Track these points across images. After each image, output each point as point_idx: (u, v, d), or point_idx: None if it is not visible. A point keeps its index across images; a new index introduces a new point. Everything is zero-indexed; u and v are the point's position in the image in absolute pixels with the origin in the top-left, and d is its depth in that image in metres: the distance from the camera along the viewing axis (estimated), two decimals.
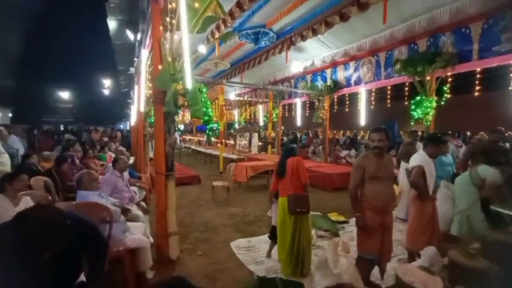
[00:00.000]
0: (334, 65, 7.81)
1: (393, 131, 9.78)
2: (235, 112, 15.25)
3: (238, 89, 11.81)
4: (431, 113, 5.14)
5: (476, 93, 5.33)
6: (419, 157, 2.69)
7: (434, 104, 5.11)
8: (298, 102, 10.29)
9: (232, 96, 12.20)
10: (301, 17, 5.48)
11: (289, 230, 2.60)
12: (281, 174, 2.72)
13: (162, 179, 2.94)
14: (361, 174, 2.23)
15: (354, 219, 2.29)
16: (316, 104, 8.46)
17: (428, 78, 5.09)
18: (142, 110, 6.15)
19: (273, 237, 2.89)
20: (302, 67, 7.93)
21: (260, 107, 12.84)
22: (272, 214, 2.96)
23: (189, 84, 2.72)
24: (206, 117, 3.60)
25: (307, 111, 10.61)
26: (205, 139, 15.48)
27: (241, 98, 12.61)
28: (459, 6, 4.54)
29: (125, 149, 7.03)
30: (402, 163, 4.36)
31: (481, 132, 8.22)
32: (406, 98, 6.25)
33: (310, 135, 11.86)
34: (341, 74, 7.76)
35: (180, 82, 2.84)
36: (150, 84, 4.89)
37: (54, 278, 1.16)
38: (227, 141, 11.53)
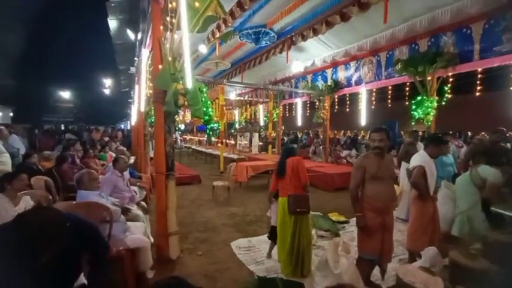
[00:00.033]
0: (334, 65, 7.80)
1: (394, 131, 9.76)
2: (236, 112, 15.24)
3: (239, 88, 11.80)
4: (432, 113, 5.13)
5: (477, 93, 5.32)
6: (420, 157, 2.68)
7: (435, 104, 5.10)
8: (298, 102, 10.28)
9: (232, 96, 12.20)
10: (302, 16, 5.48)
11: (289, 230, 2.60)
12: (281, 174, 2.71)
13: (162, 179, 2.94)
14: (361, 174, 2.22)
15: (355, 219, 2.29)
16: (317, 104, 8.45)
17: (429, 78, 5.08)
18: (142, 109, 6.15)
19: (273, 237, 2.89)
20: (303, 67, 7.92)
21: (261, 106, 12.83)
22: (271, 214, 2.96)
23: (189, 83, 2.72)
24: (206, 117, 3.59)
25: (308, 111, 10.61)
26: (205, 139, 15.49)
27: (242, 98, 12.61)
28: (460, 6, 4.53)
29: (125, 149, 7.03)
30: (403, 163, 4.35)
31: (482, 133, 8.20)
32: (406, 98, 6.24)
33: (311, 135, 11.85)
34: (342, 74, 7.75)
35: (181, 82, 2.84)
36: (151, 84, 4.89)
37: (54, 278, 1.16)
38: (228, 141, 11.53)
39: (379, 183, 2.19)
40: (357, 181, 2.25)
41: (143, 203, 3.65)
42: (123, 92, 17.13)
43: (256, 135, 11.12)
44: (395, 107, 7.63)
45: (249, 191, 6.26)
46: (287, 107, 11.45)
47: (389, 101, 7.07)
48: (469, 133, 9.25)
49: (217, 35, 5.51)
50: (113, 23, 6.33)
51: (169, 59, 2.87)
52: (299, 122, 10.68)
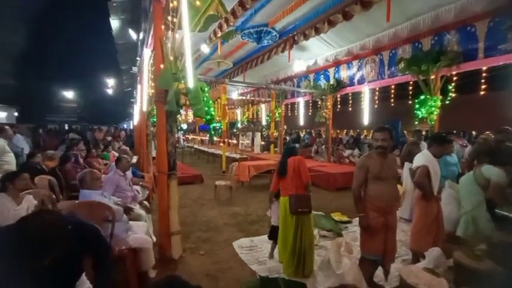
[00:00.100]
0: (337, 64, 7.76)
1: (397, 130, 9.69)
2: (238, 111, 15.23)
3: (241, 88, 11.81)
4: (435, 112, 5.08)
5: (482, 92, 5.26)
6: (423, 157, 2.65)
7: (439, 103, 5.05)
8: (301, 101, 10.25)
9: (235, 95, 12.19)
10: (304, 15, 5.45)
11: (291, 230, 2.59)
12: (282, 174, 2.70)
13: (164, 178, 2.94)
14: (364, 174, 2.20)
15: (357, 219, 2.27)
16: (319, 103, 8.42)
17: (432, 77, 5.03)
18: (145, 109, 6.16)
19: (273, 237, 2.88)
20: (305, 66, 7.90)
21: (263, 106, 12.81)
22: (272, 214, 2.95)
23: (190, 83, 2.72)
24: (208, 117, 3.58)
25: (310, 111, 10.56)
26: (207, 138, 15.52)
27: (244, 97, 12.60)
28: (464, 4, 4.48)
29: (128, 148, 7.07)
30: (406, 162, 4.32)
31: (487, 132, 8.11)
32: (410, 97, 6.19)
33: (313, 135, 11.81)
34: (344, 73, 7.70)
35: (182, 81, 2.84)
36: (153, 84, 4.90)
37: (55, 280, 1.18)
38: (230, 141, 11.53)
39: (382, 183, 2.17)
40: (359, 181, 2.23)
41: (146, 203, 3.67)
42: (126, 92, 17.21)
43: (258, 134, 11.11)
44: (398, 106, 7.57)
45: (251, 190, 6.26)
46: (289, 106, 11.42)
47: (392, 100, 7.02)
48: (474, 132, 9.16)
49: (219, 34, 5.51)
50: (114, 23, 6.35)
51: (171, 58, 2.87)
52: (301, 121, 10.65)
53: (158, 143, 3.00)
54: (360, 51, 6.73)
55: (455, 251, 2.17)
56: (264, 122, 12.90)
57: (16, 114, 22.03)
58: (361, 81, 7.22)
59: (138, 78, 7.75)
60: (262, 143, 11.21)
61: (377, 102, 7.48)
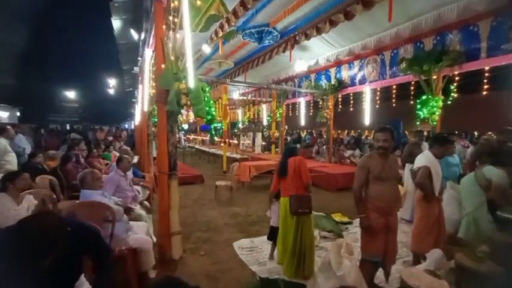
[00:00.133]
0: (338, 64, 7.74)
1: (398, 130, 9.65)
2: (239, 111, 15.24)
3: (242, 88, 11.80)
4: (437, 113, 5.05)
5: (484, 92, 5.22)
6: (425, 157, 2.64)
7: (441, 104, 5.02)
8: (302, 101, 10.23)
9: (236, 95, 12.20)
10: (305, 15, 5.44)
11: (291, 230, 2.58)
12: (283, 174, 2.70)
13: (165, 179, 2.94)
14: (365, 174, 2.19)
15: (358, 220, 2.26)
16: (320, 103, 8.40)
17: (434, 77, 5.01)
18: (146, 109, 6.17)
19: (272, 238, 2.87)
20: (306, 66, 7.88)
21: (264, 106, 12.81)
22: (271, 215, 2.94)
23: (191, 83, 2.72)
24: (209, 117, 3.58)
25: (311, 111, 10.54)
26: (208, 138, 15.53)
27: (245, 98, 12.60)
28: (467, 4, 4.45)
29: (129, 148, 7.08)
30: (407, 164, 4.29)
31: (489, 132, 8.06)
32: (411, 97, 6.15)
33: (314, 135, 11.79)
34: (345, 73, 7.68)
35: (183, 81, 2.83)
36: (154, 84, 4.90)
37: (55, 280, 1.19)
38: (231, 141, 11.54)
39: (383, 183, 2.16)
40: (360, 181, 2.22)
41: (146, 203, 3.67)
42: (127, 92, 17.24)
43: (259, 134, 11.10)
44: (399, 106, 7.54)
45: (251, 191, 6.25)
46: (290, 106, 11.40)
47: (393, 100, 6.98)
48: (476, 133, 9.11)
49: (220, 34, 5.50)
50: (116, 23, 6.36)
51: (172, 58, 2.87)
52: (302, 121, 10.63)
53: (159, 143, 3.00)
54: (362, 51, 6.71)
55: (456, 252, 2.16)
56: (265, 122, 12.89)
57: (18, 114, 22.14)
58: (362, 81, 7.19)
59: (140, 78, 7.76)
60: (263, 143, 11.20)
61: (378, 102, 7.45)
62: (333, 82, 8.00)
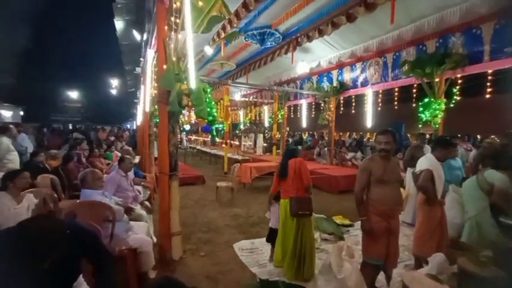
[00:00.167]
0: (340, 66, 7.73)
1: (400, 133, 9.62)
2: (241, 113, 15.23)
3: (244, 89, 11.81)
4: (440, 116, 5.03)
5: (487, 96, 5.20)
6: (427, 160, 2.62)
7: (443, 106, 5.00)
8: (303, 103, 10.23)
9: (237, 96, 12.21)
10: (308, 17, 5.44)
11: (291, 232, 2.56)
12: (283, 176, 2.68)
13: (165, 179, 2.94)
14: (367, 177, 2.18)
15: (359, 222, 2.24)
16: (322, 105, 8.39)
17: (437, 79, 4.99)
18: (147, 109, 6.19)
19: (271, 240, 2.86)
20: (308, 68, 7.88)
21: (265, 107, 12.79)
22: (271, 216, 2.93)
23: (192, 84, 2.72)
24: (210, 118, 3.59)
25: (313, 113, 10.54)
26: (210, 139, 15.54)
27: (247, 99, 12.61)
28: (470, 6, 4.44)
29: (130, 148, 7.09)
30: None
31: (492, 136, 8.00)
32: (414, 100, 6.14)
33: (316, 137, 11.77)
34: (347, 75, 7.67)
35: (185, 82, 2.84)
36: (156, 84, 4.91)
37: (54, 281, 1.20)
38: (232, 142, 11.54)
39: (385, 186, 2.14)
40: (362, 184, 2.20)
41: (147, 203, 3.67)
42: (130, 92, 17.32)
43: (260, 136, 11.10)
44: (402, 109, 7.52)
45: (252, 192, 6.24)
46: (292, 108, 11.40)
47: (395, 102, 6.97)
48: (479, 136, 9.05)
49: (222, 35, 5.52)
50: (119, 24, 6.40)
51: (174, 59, 2.87)
52: (304, 123, 10.62)
53: (160, 144, 3.00)
54: (364, 54, 6.71)
55: (459, 257, 2.13)
56: (266, 124, 12.88)
57: (22, 113, 22.31)
58: (364, 84, 7.18)
59: (142, 78, 7.78)
60: (265, 144, 11.19)
61: (380, 104, 7.43)
62: (334, 84, 7.99)
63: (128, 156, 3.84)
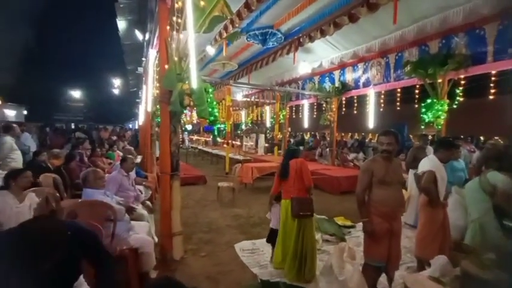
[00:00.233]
0: (342, 66, 7.71)
1: (403, 134, 9.57)
2: (242, 113, 15.24)
3: (246, 89, 11.81)
4: (442, 117, 5.00)
5: (491, 97, 5.15)
6: (430, 162, 2.60)
7: (446, 107, 4.96)
8: (305, 103, 10.21)
9: (239, 97, 12.20)
10: (310, 17, 5.43)
11: (292, 233, 2.55)
12: (284, 176, 2.68)
13: (167, 179, 2.94)
14: (368, 178, 2.16)
15: (361, 224, 2.23)
16: (324, 105, 8.37)
17: (440, 80, 4.96)
18: (149, 109, 6.21)
19: (271, 240, 2.85)
20: (310, 68, 7.87)
21: (267, 108, 12.79)
22: (271, 217, 2.92)
23: (194, 84, 2.72)
24: (212, 118, 3.59)
25: (315, 113, 10.51)
26: (211, 139, 15.56)
27: (249, 99, 12.60)
28: (473, 7, 4.41)
29: (132, 148, 7.12)
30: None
31: (496, 137, 7.95)
32: (416, 101, 6.10)
33: (318, 137, 11.75)
34: (349, 76, 7.65)
35: (186, 82, 2.84)
36: (158, 84, 4.92)
37: (54, 281, 1.21)
38: (233, 142, 11.54)
39: (387, 187, 2.13)
40: (363, 185, 2.19)
41: (148, 203, 3.68)
42: (132, 92, 17.40)
43: (262, 136, 11.09)
44: (404, 109, 7.47)
45: (254, 192, 6.23)
46: (294, 108, 11.38)
47: (398, 103, 6.93)
48: (482, 138, 8.99)
49: (224, 35, 5.52)
50: (121, 24, 6.42)
51: (176, 59, 2.88)
52: (306, 123, 10.60)
53: (161, 144, 3.00)
54: (366, 54, 6.68)
55: (462, 259, 2.11)
56: (268, 124, 12.88)
57: (25, 112, 22.47)
58: (366, 84, 7.15)
59: (144, 78, 7.81)
60: (266, 145, 11.19)
61: (382, 105, 7.40)
62: (336, 85, 7.97)
63: (130, 156, 3.86)
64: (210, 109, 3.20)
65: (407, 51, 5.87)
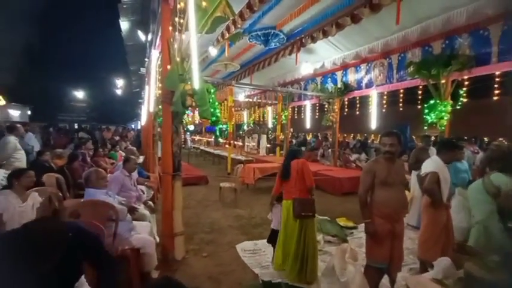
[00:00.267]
0: (345, 67, 7.69)
1: (405, 135, 9.52)
2: (244, 113, 15.25)
3: (248, 90, 11.83)
4: (446, 117, 4.96)
5: (495, 97, 5.12)
6: (433, 163, 2.58)
7: (449, 108, 4.93)
8: (307, 104, 10.19)
9: (241, 97, 12.22)
10: (312, 18, 5.42)
11: (294, 234, 2.55)
12: (285, 177, 2.67)
13: (168, 179, 2.95)
14: (371, 179, 2.15)
15: (363, 225, 2.22)
16: (326, 106, 8.35)
17: (443, 81, 4.92)
18: (152, 110, 6.23)
19: (272, 241, 2.84)
20: (312, 69, 7.86)
21: (269, 108, 12.79)
22: (273, 217, 2.91)
23: (196, 84, 2.73)
24: (214, 118, 3.59)
25: (317, 114, 10.49)
26: (213, 140, 15.58)
27: (251, 100, 12.62)
28: (476, 7, 4.38)
29: (135, 148, 7.14)
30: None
31: (500, 138, 7.87)
32: (419, 102, 6.07)
33: (320, 138, 11.71)
34: (352, 77, 7.63)
35: (189, 82, 2.85)
36: (160, 85, 4.94)
37: (55, 282, 1.22)
38: (235, 143, 11.54)
39: (389, 188, 2.11)
40: (366, 186, 2.18)
41: (150, 203, 3.68)
42: (134, 92, 17.48)
43: (264, 137, 11.09)
44: (407, 110, 7.44)
45: (255, 193, 6.23)
46: (296, 109, 11.38)
47: (400, 104, 6.90)
48: (486, 139, 8.91)
49: (227, 36, 5.53)
50: (124, 25, 6.47)
51: (178, 59, 2.89)
52: (308, 124, 10.59)
53: (163, 144, 3.01)
54: (368, 55, 6.66)
55: (465, 261, 2.09)
56: (270, 125, 12.88)
57: (29, 112, 22.67)
58: (369, 85, 7.13)
59: (146, 79, 7.85)
60: (268, 145, 11.17)
61: (385, 106, 7.37)
62: (339, 85, 7.95)
63: (132, 156, 3.87)
64: (212, 109, 3.20)
65: (410, 52, 5.84)
